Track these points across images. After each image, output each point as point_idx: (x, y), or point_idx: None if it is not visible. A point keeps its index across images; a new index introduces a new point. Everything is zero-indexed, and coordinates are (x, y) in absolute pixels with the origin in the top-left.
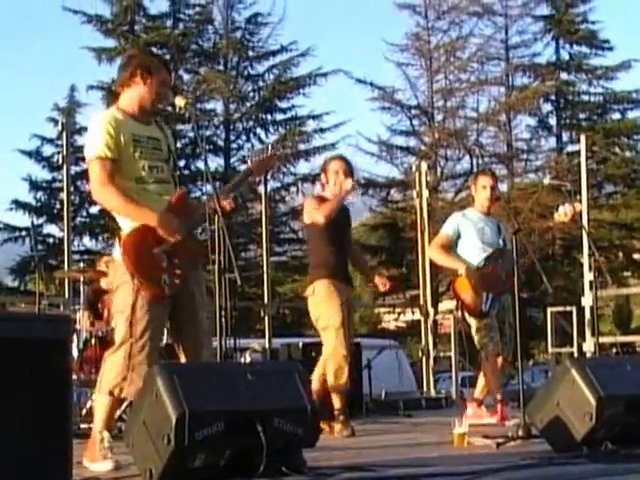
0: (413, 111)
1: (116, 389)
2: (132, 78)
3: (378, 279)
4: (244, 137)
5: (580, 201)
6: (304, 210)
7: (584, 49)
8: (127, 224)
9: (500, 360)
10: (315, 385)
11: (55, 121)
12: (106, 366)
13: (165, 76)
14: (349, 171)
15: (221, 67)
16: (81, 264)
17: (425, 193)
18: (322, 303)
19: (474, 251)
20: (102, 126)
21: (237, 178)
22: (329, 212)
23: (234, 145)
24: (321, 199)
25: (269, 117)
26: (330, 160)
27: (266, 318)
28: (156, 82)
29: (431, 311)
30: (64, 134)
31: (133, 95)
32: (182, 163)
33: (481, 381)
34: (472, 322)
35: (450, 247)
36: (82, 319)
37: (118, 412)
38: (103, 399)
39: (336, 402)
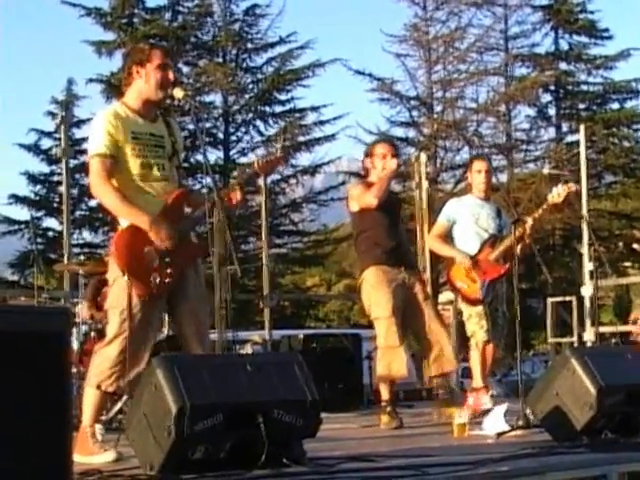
0: (412, 102)
1: (104, 383)
2: (129, 75)
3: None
4: (243, 129)
5: (580, 190)
6: (350, 197)
7: (583, 39)
8: (125, 221)
9: (490, 348)
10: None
11: (53, 114)
12: (96, 360)
13: (160, 60)
14: (395, 153)
15: (220, 59)
16: (81, 257)
17: (424, 184)
18: (372, 291)
19: (469, 236)
20: (103, 122)
21: (242, 177)
22: (381, 193)
23: (233, 137)
24: (367, 185)
25: (268, 109)
26: (375, 144)
27: (266, 310)
28: (152, 70)
29: None
30: (62, 127)
31: (135, 91)
32: (182, 156)
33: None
34: (464, 309)
35: (447, 235)
36: (82, 312)
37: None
38: (92, 393)
39: (384, 393)
